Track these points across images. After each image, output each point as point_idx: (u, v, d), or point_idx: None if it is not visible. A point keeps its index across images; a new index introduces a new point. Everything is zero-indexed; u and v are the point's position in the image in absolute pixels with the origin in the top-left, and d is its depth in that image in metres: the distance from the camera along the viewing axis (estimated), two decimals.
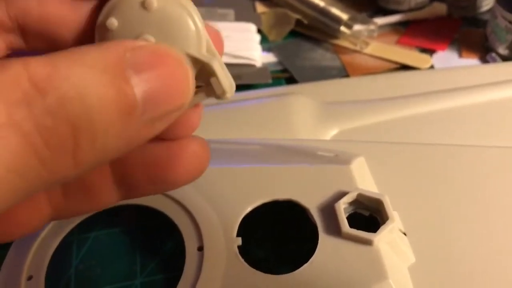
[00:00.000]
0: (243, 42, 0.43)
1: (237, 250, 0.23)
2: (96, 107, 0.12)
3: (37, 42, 0.15)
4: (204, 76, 0.15)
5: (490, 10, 0.44)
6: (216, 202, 0.25)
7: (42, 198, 0.17)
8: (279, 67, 0.43)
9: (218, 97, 0.16)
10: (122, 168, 0.17)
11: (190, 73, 0.14)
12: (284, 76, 0.42)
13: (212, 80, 0.15)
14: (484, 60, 0.42)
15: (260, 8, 0.49)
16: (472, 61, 0.42)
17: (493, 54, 0.41)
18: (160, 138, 0.17)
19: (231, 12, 0.47)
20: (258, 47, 0.43)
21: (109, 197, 0.18)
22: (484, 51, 0.42)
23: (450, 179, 0.27)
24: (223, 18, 0.46)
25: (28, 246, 0.25)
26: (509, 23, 0.39)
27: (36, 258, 0.25)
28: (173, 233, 0.25)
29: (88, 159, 0.12)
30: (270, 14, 0.47)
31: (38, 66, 0.11)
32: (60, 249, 0.26)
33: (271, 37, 0.46)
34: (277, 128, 0.34)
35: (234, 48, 0.42)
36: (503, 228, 0.25)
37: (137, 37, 0.15)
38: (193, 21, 0.15)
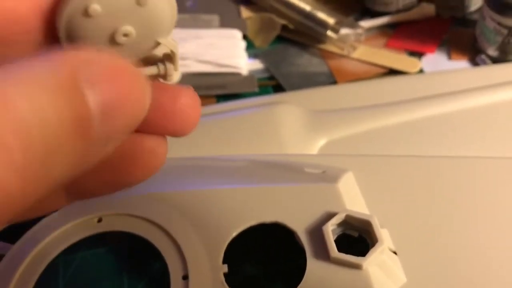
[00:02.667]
0: (228, 50, 0.42)
1: (223, 278, 0.22)
2: (54, 128, 0.11)
3: None
4: (164, 61, 0.16)
5: (479, 10, 0.43)
6: (201, 227, 0.24)
7: None
8: (266, 74, 0.42)
9: (165, 79, 0.16)
10: None
11: (147, 89, 0.13)
12: (271, 83, 0.41)
13: (169, 65, 0.16)
14: (474, 61, 0.41)
15: (245, 13, 0.48)
16: (461, 63, 0.41)
17: (483, 56, 0.40)
18: None
19: (215, 18, 0.46)
20: (243, 54, 0.42)
21: (56, 201, 0.17)
22: (474, 52, 0.42)
23: (441, 193, 0.27)
24: (207, 24, 0.45)
25: (11, 274, 0.24)
26: (498, 25, 0.38)
27: (20, 285, 0.24)
28: (159, 256, 0.24)
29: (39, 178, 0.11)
30: (255, 19, 0.46)
31: None
32: (45, 272, 0.25)
33: (257, 43, 0.45)
34: (264, 139, 0.33)
35: (219, 56, 0.41)
36: (498, 244, 0.24)
37: (116, 29, 0.14)
38: (172, 13, 0.15)
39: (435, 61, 0.41)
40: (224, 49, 0.42)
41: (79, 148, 0.12)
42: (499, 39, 0.39)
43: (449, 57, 0.42)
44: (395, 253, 0.24)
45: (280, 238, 0.24)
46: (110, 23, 0.14)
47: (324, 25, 0.43)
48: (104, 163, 0.15)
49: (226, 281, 0.22)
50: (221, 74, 0.41)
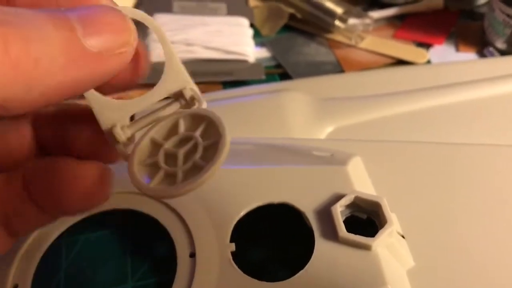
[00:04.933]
0: (235, 37, 0.42)
1: (230, 257, 0.22)
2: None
3: None
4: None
5: (487, 3, 0.43)
6: (209, 206, 0.24)
7: None
8: (272, 63, 0.42)
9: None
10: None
11: (131, 26, 0.14)
12: (278, 71, 0.41)
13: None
14: (481, 54, 0.41)
15: (253, 2, 0.47)
16: (469, 55, 0.41)
17: (491, 48, 0.40)
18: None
19: (222, 6, 0.46)
20: (251, 42, 0.42)
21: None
22: (482, 45, 0.41)
23: (448, 179, 0.26)
24: (214, 12, 0.45)
25: (13, 254, 0.24)
26: (507, 17, 0.38)
27: (22, 265, 0.24)
28: (165, 236, 0.24)
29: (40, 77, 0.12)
30: (263, 8, 0.46)
31: None
32: (48, 254, 0.25)
33: (264, 31, 0.45)
34: (271, 125, 0.33)
35: (226, 43, 0.41)
36: (504, 230, 0.24)
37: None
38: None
39: (443, 52, 0.41)
40: (231, 36, 0.42)
41: (65, 43, 0.12)
42: (508, 31, 0.39)
43: (457, 49, 0.42)
44: (403, 237, 0.24)
45: (288, 219, 0.24)
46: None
47: (332, 14, 0.42)
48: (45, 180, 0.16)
49: (234, 259, 0.22)
50: (228, 61, 0.40)
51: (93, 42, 0.13)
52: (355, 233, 0.22)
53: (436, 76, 0.37)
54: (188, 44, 0.40)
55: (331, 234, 0.22)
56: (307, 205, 0.23)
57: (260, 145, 0.29)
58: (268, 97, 0.35)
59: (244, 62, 0.41)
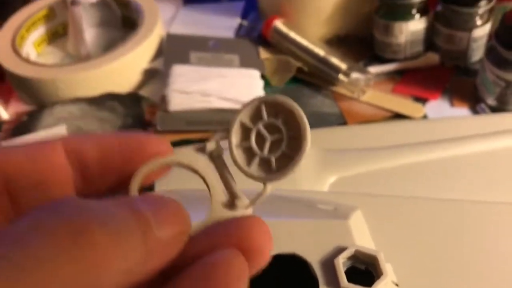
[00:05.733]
0: (247, 88, 0.45)
1: None
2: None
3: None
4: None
5: (480, 61, 0.47)
6: None
7: None
8: None
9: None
10: None
11: (187, 221, 0.16)
12: None
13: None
14: (474, 109, 0.44)
15: (264, 54, 0.51)
16: (463, 111, 0.44)
17: (483, 105, 0.44)
18: None
19: (236, 58, 0.50)
20: (261, 93, 0.46)
21: None
22: (474, 100, 0.45)
23: (441, 232, 0.29)
24: (228, 63, 0.49)
25: None
26: (497, 77, 0.42)
27: None
28: None
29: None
30: (273, 61, 0.50)
31: None
32: None
33: (274, 82, 0.48)
34: None
35: (239, 94, 0.45)
36: (496, 282, 0.27)
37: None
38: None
39: (438, 107, 0.45)
40: (244, 88, 0.45)
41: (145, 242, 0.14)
42: (498, 90, 0.42)
43: (451, 104, 0.45)
44: (397, 285, 0.27)
45: (295, 268, 0.27)
46: None
47: (336, 69, 0.46)
48: None
49: None
50: None
51: (163, 233, 0.15)
52: (355, 283, 0.25)
53: (431, 131, 0.41)
54: (205, 95, 0.43)
55: (334, 283, 0.25)
56: (313, 256, 0.26)
57: (269, 196, 0.32)
58: None
59: None
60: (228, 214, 0.18)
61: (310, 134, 0.17)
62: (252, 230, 0.17)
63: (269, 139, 0.18)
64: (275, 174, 0.18)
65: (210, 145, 0.18)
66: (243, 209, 0.18)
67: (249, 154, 0.18)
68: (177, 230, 0.15)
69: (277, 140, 0.18)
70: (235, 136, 0.18)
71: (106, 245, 0.13)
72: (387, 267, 0.26)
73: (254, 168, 0.18)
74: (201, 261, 0.15)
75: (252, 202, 0.18)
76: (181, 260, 0.16)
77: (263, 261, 0.17)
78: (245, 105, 0.18)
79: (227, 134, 0.18)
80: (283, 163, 0.18)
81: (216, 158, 0.18)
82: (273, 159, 0.18)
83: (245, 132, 0.18)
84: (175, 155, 0.18)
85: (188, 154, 0.18)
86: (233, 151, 0.18)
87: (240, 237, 0.16)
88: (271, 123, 0.18)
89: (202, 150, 0.18)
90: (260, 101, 0.18)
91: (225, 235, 0.16)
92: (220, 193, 0.18)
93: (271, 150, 0.18)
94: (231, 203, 0.18)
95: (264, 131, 0.18)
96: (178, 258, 0.16)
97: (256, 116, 0.18)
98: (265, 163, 0.18)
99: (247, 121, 0.18)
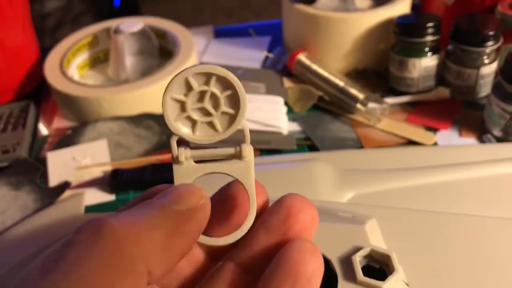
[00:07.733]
0: (273, 113, 0.50)
1: None
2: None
3: None
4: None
5: (487, 96, 0.51)
6: None
7: None
8: (302, 135, 0.49)
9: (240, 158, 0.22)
10: None
11: (198, 188, 0.20)
12: (307, 143, 0.49)
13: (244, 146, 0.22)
14: (481, 139, 0.48)
15: (287, 83, 0.56)
16: (470, 140, 0.48)
17: (489, 135, 0.48)
18: None
19: (262, 86, 0.54)
20: (285, 117, 0.50)
21: None
22: (481, 131, 0.49)
23: (449, 244, 0.33)
24: (255, 90, 0.54)
25: None
26: (502, 110, 0.46)
27: None
28: None
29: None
30: (296, 89, 0.55)
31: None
32: None
33: (296, 109, 0.53)
34: (300, 189, 0.40)
35: (265, 118, 0.49)
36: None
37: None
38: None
39: (448, 136, 0.49)
40: (269, 112, 0.50)
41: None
42: (503, 122, 0.46)
43: (460, 134, 0.49)
44: (407, 285, 0.30)
45: None
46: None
47: (354, 99, 0.51)
48: None
49: None
50: (266, 132, 0.48)
51: (180, 206, 0.19)
52: (370, 278, 0.28)
53: (441, 156, 0.44)
54: None
55: (351, 277, 0.28)
56: (333, 254, 0.30)
57: None
58: (299, 165, 0.43)
59: (279, 134, 0.48)
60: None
61: (242, 86, 0.19)
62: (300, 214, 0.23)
63: (206, 104, 0.19)
64: (227, 131, 0.20)
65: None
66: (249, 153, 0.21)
67: (189, 122, 0.20)
68: (193, 202, 0.19)
69: (215, 104, 0.19)
70: (171, 112, 0.19)
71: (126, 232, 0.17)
72: (399, 266, 0.29)
73: (200, 134, 0.20)
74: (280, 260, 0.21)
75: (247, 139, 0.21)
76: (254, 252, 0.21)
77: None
78: (171, 81, 0.19)
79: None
80: (227, 120, 0.20)
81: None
82: (216, 120, 0.19)
83: (180, 105, 0.19)
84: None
85: None
86: (171, 123, 0.19)
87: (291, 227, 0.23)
88: (203, 90, 0.19)
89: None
90: (185, 74, 0.19)
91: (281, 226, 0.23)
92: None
93: (210, 113, 0.19)
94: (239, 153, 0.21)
95: (199, 98, 0.19)
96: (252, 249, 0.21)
97: (187, 88, 0.19)
98: (209, 125, 0.20)
99: (177, 95, 0.19)
